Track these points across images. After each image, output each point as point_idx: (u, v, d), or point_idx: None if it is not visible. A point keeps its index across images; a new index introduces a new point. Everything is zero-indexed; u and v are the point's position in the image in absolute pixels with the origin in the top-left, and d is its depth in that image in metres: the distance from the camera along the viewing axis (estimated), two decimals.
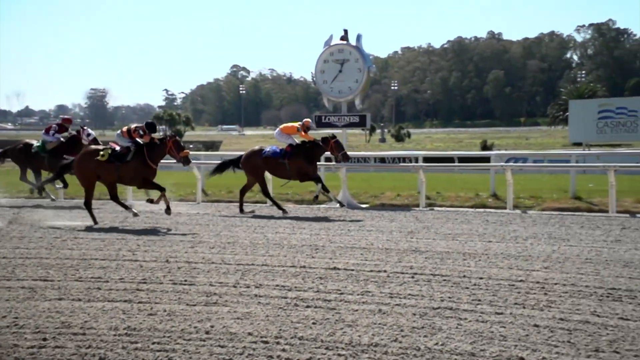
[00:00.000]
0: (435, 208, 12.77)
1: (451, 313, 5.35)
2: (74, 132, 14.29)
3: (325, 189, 12.55)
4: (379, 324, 5.09)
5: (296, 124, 13.02)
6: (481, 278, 6.54)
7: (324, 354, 4.47)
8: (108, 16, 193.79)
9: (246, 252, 8.17)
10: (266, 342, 4.70)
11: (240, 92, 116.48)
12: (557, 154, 24.02)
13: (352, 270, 6.99)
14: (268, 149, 12.75)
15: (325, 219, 11.35)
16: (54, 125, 14.45)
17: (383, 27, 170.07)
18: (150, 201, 11.20)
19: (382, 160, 23.97)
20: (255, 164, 12.66)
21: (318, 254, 7.95)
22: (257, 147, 13.14)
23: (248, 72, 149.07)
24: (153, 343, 4.70)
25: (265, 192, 12.82)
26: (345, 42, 14.20)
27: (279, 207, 12.22)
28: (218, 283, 6.46)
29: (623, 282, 6.27)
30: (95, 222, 10.67)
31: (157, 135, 11.38)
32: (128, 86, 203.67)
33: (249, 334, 4.90)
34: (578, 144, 24.98)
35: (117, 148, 11.05)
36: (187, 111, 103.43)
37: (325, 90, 14.47)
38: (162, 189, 10.87)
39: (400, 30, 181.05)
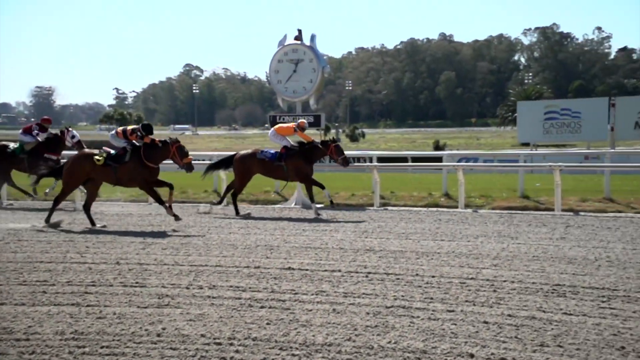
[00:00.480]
0: (389, 208, 12.91)
1: (404, 311, 5.42)
2: (55, 133, 13.98)
3: (310, 194, 12.45)
4: (333, 323, 5.12)
5: (291, 125, 12.87)
6: (433, 276, 6.65)
7: (278, 354, 4.47)
8: (55, 11, 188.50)
9: (199, 253, 8.08)
10: (219, 344, 4.67)
11: (194, 91, 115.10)
12: (506, 154, 24.64)
13: (307, 270, 7.01)
14: (264, 152, 12.56)
15: (280, 219, 11.33)
16: (35, 126, 13.99)
17: (337, 27, 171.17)
18: (169, 209, 10.62)
19: None
20: (249, 167, 12.45)
21: (273, 254, 7.93)
22: (250, 150, 12.96)
23: (201, 71, 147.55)
24: (102, 347, 4.61)
25: (237, 193, 12.57)
26: (299, 42, 14.20)
27: (237, 211, 12.10)
28: (170, 285, 6.37)
29: (567, 278, 6.47)
30: (93, 224, 10.42)
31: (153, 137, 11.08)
32: (76, 84, 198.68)
33: (202, 335, 4.86)
34: (526, 144, 25.70)
35: (112, 151, 10.81)
36: (139, 110, 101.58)
37: (280, 90, 14.44)
38: (170, 186, 10.60)
39: (354, 31, 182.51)
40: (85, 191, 11.42)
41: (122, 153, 10.73)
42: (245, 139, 68.36)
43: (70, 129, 14.12)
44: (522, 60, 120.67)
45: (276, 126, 13.07)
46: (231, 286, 6.31)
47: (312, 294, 6.00)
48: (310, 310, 5.49)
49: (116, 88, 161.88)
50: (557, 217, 11.26)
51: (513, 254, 7.79)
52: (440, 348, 4.53)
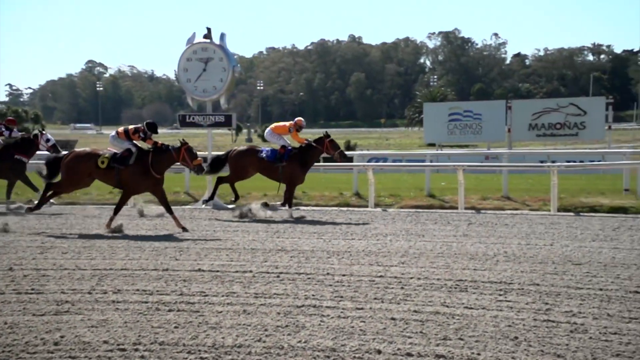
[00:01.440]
0: (301, 207, 12.98)
1: (314, 310, 5.47)
2: (26, 135, 13.37)
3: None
4: (244, 324, 5.08)
5: (287, 124, 12.53)
6: (344, 275, 6.75)
7: (186, 358, 4.39)
8: None
9: (104, 256, 7.77)
10: (123, 350, 4.51)
11: (97, 89, 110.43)
12: (414, 154, 25.43)
13: (217, 271, 6.91)
14: (266, 150, 12.25)
15: (190, 220, 11.10)
16: (1, 126, 13.17)
17: (247, 27, 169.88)
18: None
19: None
20: (247, 163, 12.13)
21: (182, 256, 7.76)
22: (245, 146, 12.66)
23: (106, 68, 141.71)
24: None
25: (230, 183, 12.33)
26: (208, 40, 13.97)
27: (212, 197, 12.21)
28: (71, 290, 6.08)
29: (469, 273, 6.77)
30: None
31: (157, 135, 10.60)
32: None
33: (105, 342, 4.67)
34: (432, 145, 26.61)
35: (117, 152, 10.31)
36: (36, 108, 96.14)
37: (190, 89, 14.15)
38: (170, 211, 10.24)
39: (265, 31, 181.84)
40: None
41: (126, 154, 10.22)
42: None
43: (44, 132, 13.47)
44: (428, 63, 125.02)
45: (272, 125, 12.88)
46: (137, 290, 6.11)
47: (223, 296, 5.92)
48: (220, 312, 5.42)
49: (9, 84, 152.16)
50: (460, 215, 11.74)
51: (420, 251, 8.04)
52: (349, 345, 4.61)
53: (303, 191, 14.36)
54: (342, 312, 5.42)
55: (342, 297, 5.89)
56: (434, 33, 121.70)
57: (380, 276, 6.68)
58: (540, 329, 4.90)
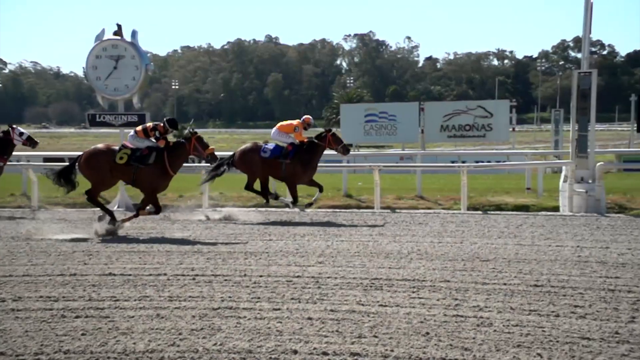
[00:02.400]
0: (219, 208, 12.80)
1: (231, 312, 5.42)
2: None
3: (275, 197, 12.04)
4: (157, 329, 4.96)
5: (294, 122, 12.06)
6: (261, 276, 6.73)
7: None
8: None
9: (3, 262, 7.35)
10: None
11: None
12: (331, 154, 25.69)
13: (130, 275, 6.70)
14: (268, 147, 11.81)
15: (101, 221, 10.67)
16: None
17: (160, 24, 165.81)
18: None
19: None
20: (252, 161, 11.69)
21: (91, 260, 7.47)
22: (249, 144, 12.15)
23: (5, 64, 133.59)
24: None
25: (250, 187, 11.94)
26: (119, 37, 13.50)
27: (266, 197, 11.82)
28: None
29: (384, 272, 6.92)
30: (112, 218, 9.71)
31: (175, 133, 10.01)
32: None
33: (1, 354, 4.41)
34: (349, 145, 27.04)
35: (134, 147, 9.96)
36: None
37: (99, 88, 13.62)
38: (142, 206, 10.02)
39: (179, 29, 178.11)
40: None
41: (146, 153, 9.89)
42: (61, 138, 63.48)
43: (15, 126, 12.54)
44: (344, 64, 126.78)
45: (278, 124, 12.49)
46: (41, 297, 5.82)
47: (135, 300, 5.75)
48: (132, 317, 5.26)
49: None
50: (376, 214, 11.98)
51: (337, 250, 8.14)
52: (266, 347, 4.60)
53: (220, 192, 14.18)
54: (259, 313, 5.40)
55: (259, 298, 5.87)
56: (349, 35, 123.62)
57: (298, 276, 6.71)
58: (450, 323, 5.09)
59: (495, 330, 4.90)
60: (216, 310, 5.46)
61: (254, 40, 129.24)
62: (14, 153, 13.28)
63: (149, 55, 15.01)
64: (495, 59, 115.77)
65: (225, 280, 6.54)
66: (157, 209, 10.11)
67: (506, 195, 13.56)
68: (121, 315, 5.31)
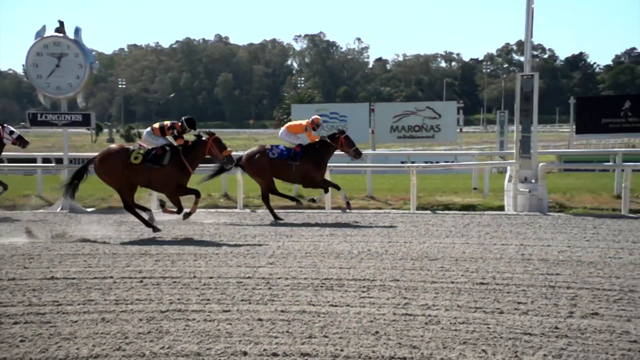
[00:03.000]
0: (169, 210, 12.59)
1: (179, 315, 5.34)
2: None
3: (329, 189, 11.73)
4: (102, 333, 4.84)
5: (304, 122, 11.79)
6: (211, 277, 6.66)
7: None
8: None
9: None
10: None
11: None
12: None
13: (74, 278, 6.52)
14: (275, 149, 11.47)
15: (43, 224, 10.35)
16: None
17: (105, 22, 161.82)
18: (162, 207, 9.99)
19: None
20: (260, 164, 11.25)
21: (32, 264, 7.22)
22: (256, 147, 11.72)
23: None
24: None
25: (267, 196, 11.46)
26: (61, 34, 13.11)
27: (275, 216, 11.11)
28: None
29: (335, 272, 6.95)
30: (154, 227, 9.50)
31: (193, 133, 9.75)
32: None
33: None
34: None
35: (151, 148, 9.75)
36: None
37: (41, 86, 13.19)
38: (197, 194, 9.86)
39: (125, 27, 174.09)
40: None
41: (160, 152, 9.68)
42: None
43: (5, 125, 11.93)
44: (295, 65, 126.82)
45: (287, 124, 12.16)
46: None
47: (79, 304, 5.60)
48: (76, 321, 5.11)
49: None
50: (327, 214, 12.02)
51: (288, 251, 8.12)
52: (215, 349, 4.55)
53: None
54: (208, 315, 5.34)
55: (208, 300, 5.80)
56: (300, 36, 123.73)
57: (248, 277, 6.67)
58: (399, 322, 5.15)
59: (442, 328, 4.99)
60: (164, 313, 5.37)
61: (203, 39, 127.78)
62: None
63: (93, 53, 14.63)
64: (443, 61, 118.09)
65: (174, 282, 6.44)
66: (179, 209, 9.90)
67: (454, 195, 13.84)
68: (64, 320, 5.15)
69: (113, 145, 10.37)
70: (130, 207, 9.92)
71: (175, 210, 9.90)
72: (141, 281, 6.46)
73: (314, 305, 5.67)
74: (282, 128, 12.15)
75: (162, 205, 10.14)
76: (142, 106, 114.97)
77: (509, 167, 13.11)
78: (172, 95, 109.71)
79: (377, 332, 4.91)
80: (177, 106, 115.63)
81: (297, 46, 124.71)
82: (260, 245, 8.62)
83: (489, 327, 4.96)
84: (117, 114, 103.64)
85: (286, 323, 5.15)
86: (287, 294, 6.02)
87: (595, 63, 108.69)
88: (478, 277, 6.60)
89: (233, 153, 10.50)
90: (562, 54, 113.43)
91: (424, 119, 17.80)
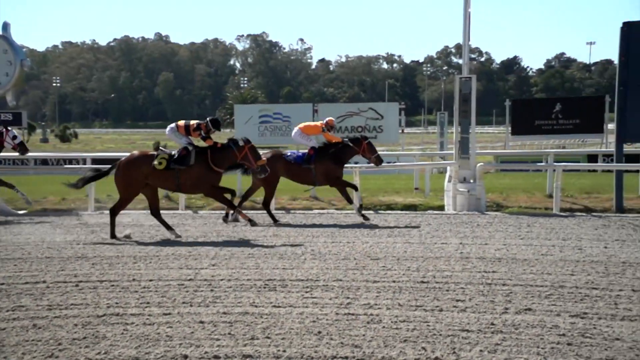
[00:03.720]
0: (106, 212, 12.25)
1: (117, 319, 5.20)
2: None
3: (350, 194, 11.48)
4: (33, 340, 4.66)
5: (319, 124, 11.64)
6: (151, 280, 6.52)
7: None
8: None
9: None
10: None
11: None
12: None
13: (2, 284, 6.25)
14: (290, 154, 11.32)
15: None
16: None
17: (37, 17, 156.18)
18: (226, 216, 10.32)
19: (45, 162, 22.01)
20: (274, 169, 10.74)
21: None
22: (270, 152, 11.35)
23: None
24: None
25: (269, 201, 11.28)
26: None
27: (273, 219, 10.80)
28: None
29: (278, 272, 6.93)
30: (113, 236, 9.12)
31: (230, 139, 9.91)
32: None
33: None
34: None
35: (174, 152, 9.61)
36: None
37: None
38: (232, 193, 9.93)
39: (59, 23, 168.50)
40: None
41: (184, 153, 9.49)
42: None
43: (9, 128, 11.31)
44: (238, 65, 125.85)
45: (301, 125, 11.77)
46: None
47: (8, 311, 5.37)
48: (4, 329, 4.90)
49: None
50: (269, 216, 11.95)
51: (231, 252, 8.04)
52: (154, 353, 4.46)
53: (108, 194, 13.58)
54: (147, 318, 5.23)
55: (148, 303, 5.68)
56: (242, 35, 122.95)
57: (190, 279, 6.57)
58: (342, 322, 5.18)
59: (384, 327, 5.04)
60: (101, 318, 5.21)
61: (142, 38, 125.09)
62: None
63: (24, 50, 14.09)
64: (384, 63, 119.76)
65: (112, 285, 6.27)
66: (231, 206, 9.88)
67: (396, 195, 14.04)
68: None
69: (135, 152, 10.11)
70: (158, 212, 9.71)
71: (247, 218, 9.90)
72: (77, 285, 6.26)
73: (256, 306, 5.63)
74: (295, 129, 11.95)
75: (226, 216, 10.34)
76: (78, 105, 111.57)
77: (448, 168, 13.41)
78: (112, 95, 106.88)
79: (319, 332, 4.92)
80: (116, 106, 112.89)
81: (240, 46, 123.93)
82: (202, 246, 8.50)
83: (428, 325, 5.06)
84: (51, 113, 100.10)
85: (228, 325, 5.09)
86: (229, 296, 5.96)
87: (528, 67, 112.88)
88: (419, 275, 6.71)
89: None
90: (498, 57, 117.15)
91: (367, 119, 17.98)
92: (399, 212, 12.34)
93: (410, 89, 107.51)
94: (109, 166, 10.07)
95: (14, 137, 11.91)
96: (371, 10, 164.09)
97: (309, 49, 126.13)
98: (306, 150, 11.46)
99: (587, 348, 4.49)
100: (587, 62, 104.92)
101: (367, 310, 5.50)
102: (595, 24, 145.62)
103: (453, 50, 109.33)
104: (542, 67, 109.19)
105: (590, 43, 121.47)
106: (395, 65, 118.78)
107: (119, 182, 9.55)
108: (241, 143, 9.75)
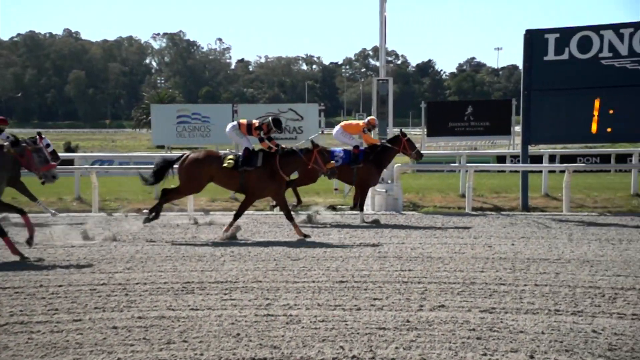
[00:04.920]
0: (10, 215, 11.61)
1: (22, 327, 4.95)
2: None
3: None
4: None
5: (361, 123, 11.41)
6: (60, 286, 6.26)
7: None
8: None
9: None
10: None
11: None
12: (142, 156, 24.71)
13: None
14: (339, 151, 10.96)
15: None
16: None
17: None
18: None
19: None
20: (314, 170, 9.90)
21: None
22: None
23: None
24: None
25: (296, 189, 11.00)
26: None
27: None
28: None
29: (196, 275, 6.82)
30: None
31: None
32: None
33: None
34: (161, 147, 26.20)
35: (239, 153, 9.61)
36: None
37: None
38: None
39: None
40: None
41: (248, 154, 9.48)
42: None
43: (44, 136, 10.16)
44: (154, 64, 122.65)
45: (343, 123, 11.28)
46: None
47: None
48: None
49: None
50: (190, 217, 11.73)
51: (147, 255, 7.84)
52: None
53: (13, 197, 12.87)
54: (56, 326, 5.01)
55: (57, 309, 5.44)
56: (158, 34, 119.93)
57: (103, 284, 6.36)
58: (261, 323, 5.16)
59: (303, 327, 5.07)
60: (3, 327, 4.94)
61: (50, 33, 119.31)
62: None
63: None
64: (304, 64, 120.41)
65: (16, 292, 5.96)
66: (287, 214, 9.64)
67: (316, 195, 14.14)
68: None
69: (197, 152, 9.96)
70: (171, 200, 9.98)
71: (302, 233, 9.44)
72: None
73: (173, 310, 5.52)
74: (337, 127, 11.66)
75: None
76: None
77: None
78: (19, 94, 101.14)
79: (238, 334, 4.88)
80: (21, 104, 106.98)
81: (156, 45, 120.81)
82: (117, 249, 8.22)
83: (346, 324, 5.12)
84: None
85: (143, 330, 4.96)
86: (145, 300, 5.80)
87: (442, 70, 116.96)
88: (338, 275, 6.79)
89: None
90: (414, 60, 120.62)
91: (287, 120, 18.01)
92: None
93: (329, 90, 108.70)
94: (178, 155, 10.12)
95: (47, 145, 11.30)
96: (290, 11, 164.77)
97: (228, 48, 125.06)
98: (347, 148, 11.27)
99: (494, 341, 4.70)
100: (496, 67, 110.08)
101: (286, 310, 5.50)
102: (502, 31, 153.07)
103: (371, 52, 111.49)
104: (455, 70, 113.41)
105: (498, 49, 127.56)
106: (314, 66, 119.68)
107: (182, 175, 9.63)
108: (311, 147, 9.66)
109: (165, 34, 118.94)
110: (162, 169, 9.74)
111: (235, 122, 10.06)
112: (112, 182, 16.36)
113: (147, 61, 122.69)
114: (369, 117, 11.88)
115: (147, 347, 4.59)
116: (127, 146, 54.80)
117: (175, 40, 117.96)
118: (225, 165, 9.44)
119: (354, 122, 12.03)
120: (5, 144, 8.65)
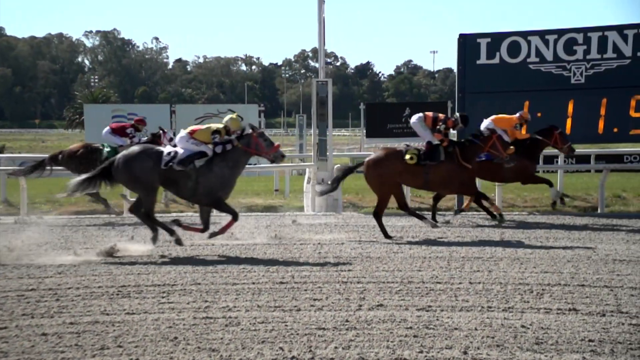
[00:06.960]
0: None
1: None
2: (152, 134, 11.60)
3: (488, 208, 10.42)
4: None
5: (514, 117, 10.88)
6: None
7: None
8: None
9: None
10: None
11: None
12: None
13: None
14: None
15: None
16: (129, 126, 11.94)
17: None
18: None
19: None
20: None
21: None
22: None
23: None
24: None
25: (404, 204, 9.99)
26: None
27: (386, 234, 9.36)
28: None
29: (132, 278, 6.65)
30: (387, 236, 9.04)
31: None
32: None
33: None
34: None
35: (418, 146, 9.57)
36: None
37: None
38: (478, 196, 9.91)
39: None
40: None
41: (429, 148, 9.30)
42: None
43: (166, 130, 11.07)
44: (87, 62, 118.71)
45: (493, 117, 10.61)
46: None
47: None
48: None
49: None
50: (127, 218, 11.40)
51: (81, 259, 7.58)
52: None
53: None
54: None
55: None
56: (91, 31, 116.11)
57: (32, 289, 6.12)
58: (199, 326, 5.07)
59: (242, 329, 5.02)
60: None
61: None
62: None
63: None
64: (243, 65, 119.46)
65: None
66: (478, 200, 9.78)
67: (256, 196, 14.08)
68: None
69: (375, 155, 9.71)
70: (406, 205, 9.78)
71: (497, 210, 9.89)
72: None
73: (108, 314, 5.36)
74: (487, 120, 10.76)
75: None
76: None
77: (307, 169, 13.70)
78: None
79: (176, 338, 4.78)
80: None
81: (89, 43, 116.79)
82: (47, 253, 7.91)
83: (286, 325, 5.11)
84: None
85: (75, 336, 4.78)
86: (77, 305, 5.61)
87: (380, 72, 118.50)
88: (278, 276, 6.76)
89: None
90: (353, 62, 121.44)
91: None
92: (260, 213, 12.38)
93: (269, 91, 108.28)
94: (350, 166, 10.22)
95: (171, 139, 11.01)
96: (229, 11, 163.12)
97: (165, 48, 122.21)
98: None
99: (430, 339, 4.79)
100: (432, 70, 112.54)
101: (225, 313, 5.43)
102: (437, 34, 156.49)
103: (310, 54, 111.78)
104: (393, 72, 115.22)
105: (434, 52, 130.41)
106: (254, 67, 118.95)
107: (372, 182, 9.53)
108: (487, 133, 9.64)
109: (98, 31, 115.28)
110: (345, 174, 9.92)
111: (421, 114, 9.83)
112: (43, 184, 15.75)
113: (80, 59, 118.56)
114: (521, 112, 11.28)
115: (79, 353, 4.44)
116: (58, 147, 52.70)
117: (109, 38, 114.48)
118: (407, 158, 9.32)
119: (506, 116, 11.02)
120: (233, 137, 8.36)
